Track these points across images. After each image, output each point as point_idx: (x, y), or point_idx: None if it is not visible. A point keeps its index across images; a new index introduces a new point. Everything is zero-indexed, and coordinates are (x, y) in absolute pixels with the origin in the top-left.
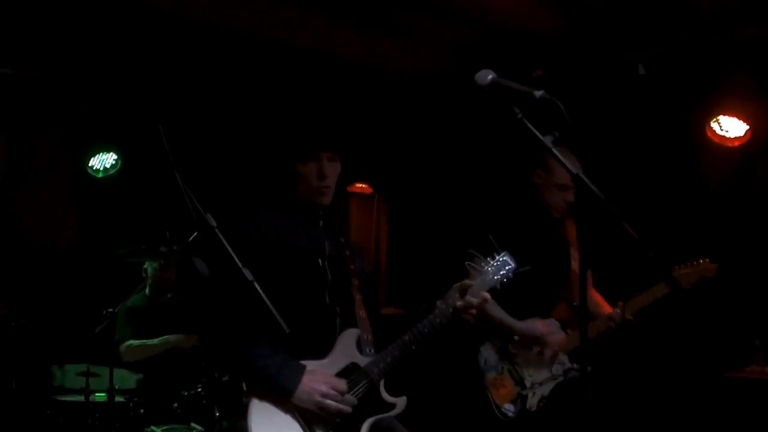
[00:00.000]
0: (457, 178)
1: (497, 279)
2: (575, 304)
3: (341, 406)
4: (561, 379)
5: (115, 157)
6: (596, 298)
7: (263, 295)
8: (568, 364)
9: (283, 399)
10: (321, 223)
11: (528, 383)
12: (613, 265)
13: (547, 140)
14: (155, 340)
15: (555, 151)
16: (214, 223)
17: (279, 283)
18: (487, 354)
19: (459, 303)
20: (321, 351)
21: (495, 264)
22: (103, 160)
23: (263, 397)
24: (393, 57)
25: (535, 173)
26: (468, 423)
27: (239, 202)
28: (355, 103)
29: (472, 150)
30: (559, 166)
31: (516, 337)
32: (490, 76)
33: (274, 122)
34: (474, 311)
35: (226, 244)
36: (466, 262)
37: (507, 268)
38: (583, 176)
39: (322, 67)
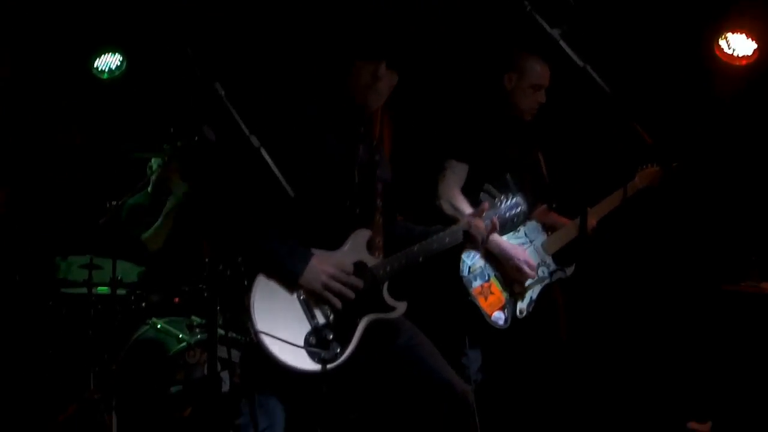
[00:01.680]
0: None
1: (508, 216)
2: (553, 206)
3: (345, 289)
4: (548, 280)
5: (120, 58)
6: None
7: (269, 161)
8: (553, 266)
9: (288, 283)
10: (361, 127)
11: (516, 288)
12: (573, 174)
13: (555, 33)
14: (159, 221)
15: (563, 43)
16: (222, 92)
17: (308, 178)
18: (471, 261)
19: (474, 223)
20: (332, 245)
21: (507, 202)
22: (108, 62)
23: (266, 281)
24: None
25: (506, 76)
26: (459, 336)
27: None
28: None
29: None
30: (532, 67)
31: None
32: None
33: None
34: (482, 236)
35: (233, 111)
36: (481, 194)
37: (518, 209)
38: (588, 67)
39: None
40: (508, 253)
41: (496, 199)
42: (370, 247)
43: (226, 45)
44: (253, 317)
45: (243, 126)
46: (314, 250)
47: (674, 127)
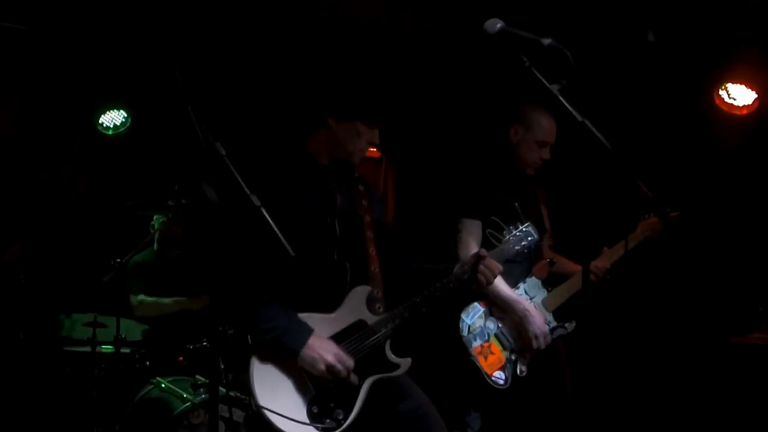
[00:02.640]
0: (456, 138)
1: (518, 249)
2: (554, 261)
3: (343, 383)
4: (549, 338)
5: (124, 114)
6: (560, 257)
7: (270, 220)
8: (553, 322)
9: (288, 354)
10: (335, 177)
11: (517, 347)
12: (575, 223)
13: (554, 88)
14: (169, 300)
15: (561, 98)
16: (223, 152)
17: (288, 236)
18: (471, 320)
19: (479, 270)
20: (330, 306)
21: (517, 234)
22: (113, 118)
23: (266, 352)
24: (392, 12)
25: (513, 129)
26: (458, 396)
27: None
28: (359, 65)
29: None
30: (540, 122)
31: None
32: (498, 25)
33: (306, 76)
34: (487, 280)
35: (234, 171)
36: (487, 231)
37: (529, 239)
38: (588, 123)
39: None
40: (532, 321)
41: (505, 232)
42: (370, 302)
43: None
44: (253, 391)
45: (243, 185)
46: (311, 315)
47: (675, 177)
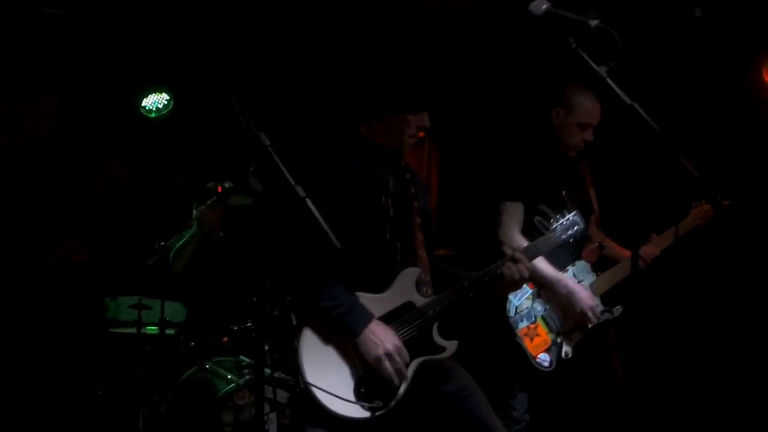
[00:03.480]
0: (500, 121)
1: (564, 238)
2: (603, 245)
3: (398, 373)
4: (595, 321)
5: (167, 97)
6: (609, 241)
7: (315, 211)
8: (601, 307)
9: (341, 333)
10: (386, 162)
11: (567, 327)
12: (625, 208)
13: (602, 70)
14: (188, 233)
15: (609, 81)
16: (268, 142)
17: (341, 214)
18: (518, 301)
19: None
20: (380, 286)
21: (564, 222)
22: (156, 101)
23: (316, 330)
24: None
25: (554, 111)
26: (504, 378)
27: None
28: (412, 49)
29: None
30: (582, 103)
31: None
32: (544, 6)
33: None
34: (511, 278)
35: (278, 161)
36: (536, 218)
37: (575, 228)
38: (636, 105)
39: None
40: (575, 293)
41: (552, 221)
42: (419, 284)
43: (262, 85)
44: (302, 367)
45: (288, 176)
46: (361, 294)
47: (725, 160)
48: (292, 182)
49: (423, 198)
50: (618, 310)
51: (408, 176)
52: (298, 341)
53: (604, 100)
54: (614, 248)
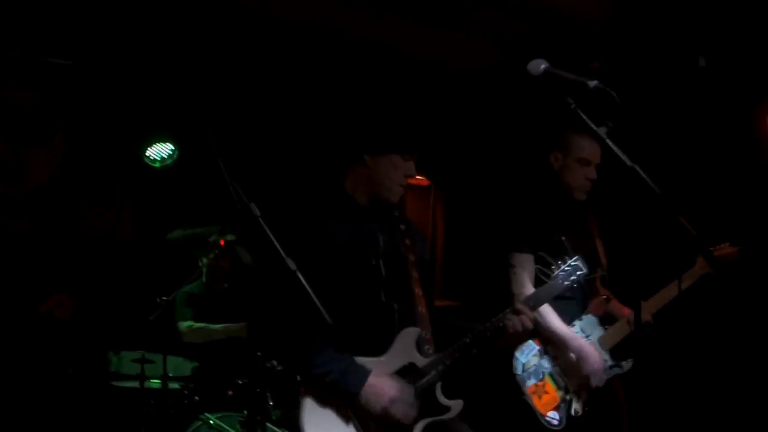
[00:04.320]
0: (504, 169)
1: (567, 285)
2: (610, 298)
3: (408, 412)
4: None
5: (171, 147)
6: (610, 295)
7: (306, 285)
8: (611, 361)
9: (341, 399)
10: (376, 218)
11: (572, 386)
12: (630, 262)
13: (602, 131)
14: (218, 326)
15: (609, 142)
16: (258, 213)
17: (331, 281)
18: (525, 359)
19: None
20: (379, 349)
21: (566, 269)
22: (160, 151)
23: (317, 393)
24: (446, 48)
25: (553, 155)
26: None
27: (285, 193)
28: (409, 95)
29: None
30: (578, 143)
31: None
32: (543, 66)
33: (339, 115)
34: (514, 328)
35: (269, 233)
36: (536, 266)
37: (578, 273)
38: (637, 168)
39: (377, 58)
40: (586, 356)
41: (553, 267)
42: (420, 343)
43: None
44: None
45: (279, 248)
46: (361, 359)
47: (729, 208)
48: (283, 254)
49: (420, 249)
50: (628, 364)
51: (402, 227)
52: (300, 405)
53: (605, 160)
54: (616, 306)
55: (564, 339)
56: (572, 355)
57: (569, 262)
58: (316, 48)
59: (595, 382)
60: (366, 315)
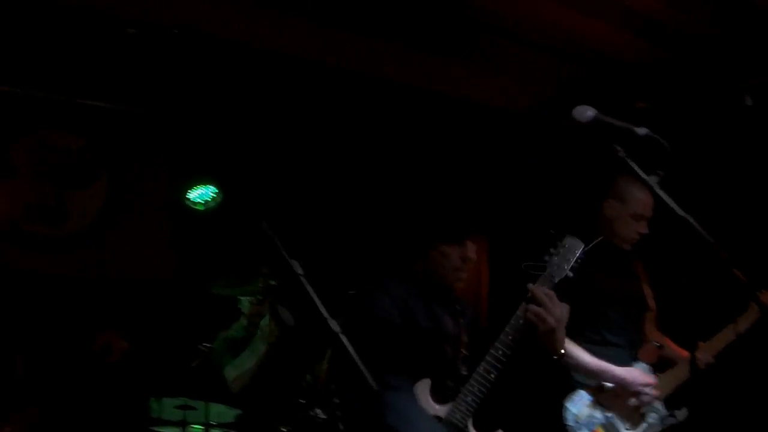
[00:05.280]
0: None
1: (566, 267)
2: (661, 345)
3: None
4: (659, 428)
5: (214, 190)
6: (666, 339)
7: (351, 349)
8: (663, 411)
9: None
10: (443, 300)
11: (627, 421)
12: (681, 305)
13: (652, 180)
14: (252, 361)
15: (660, 192)
16: (301, 271)
17: (394, 359)
18: (576, 409)
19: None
20: None
21: (559, 252)
22: (202, 194)
23: None
24: (485, 90)
25: (606, 203)
26: None
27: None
28: (450, 138)
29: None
30: (635, 195)
31: (611, 385)
32: (590, 113)
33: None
34: (539, 317)
35: (311, 292)
36: (523, 264)
37: (575, 251)
38: (690, 218)
39: (418, 101)
40: (624, 379)
41: (545, 257)
42: (436, 393)
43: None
44: None
45: (322, 308)
46: None
47: None
48: (326, 315)
49: (471, 322)
50: (682, 413)
51: (458, 308)
52: None
53: (658, 207)
54: (672, 348)
55: (597, 371)
56: (612, 385)
57: (559, 245)
58: (358, 98)
59: (648, 399)
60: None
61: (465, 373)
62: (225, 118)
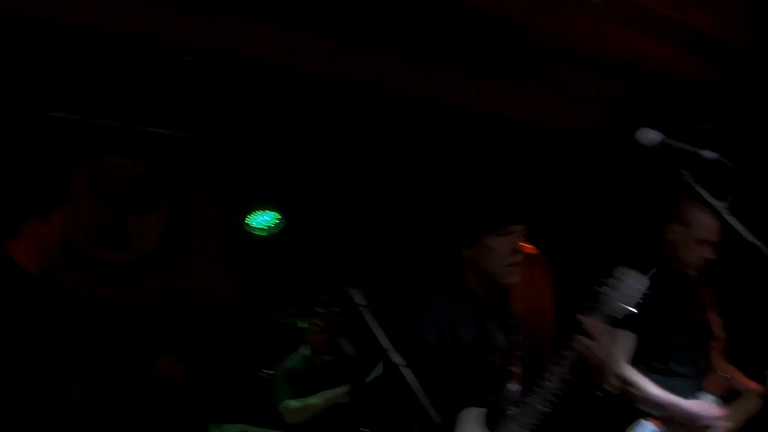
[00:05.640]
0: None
1: (628, 303)
2: (729, 376)
3: None
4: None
5: (275, 215)
6: (734, 370)
7: (411, 381)
8: None
9: None
10: (492, 310)
11: None
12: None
13: (721, 206)
14: (317, 400)
15: (728, 218)
16: (362, 301)
17: (443, 379)
18: None
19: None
20: None
21: (617, 285)
22: (263, 220)
23: None
24: (545, 113)
25: (669, 228)
26: None
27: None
28: (512, 161)
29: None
30: (699, 219)
31: (681, 419)
32: (654, 136)
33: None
34: (595, 351)
35: (372, 324)
36: (580, 297)
37: (638, 286)
38: (760, 244)
39: (479, 126)
40: (694, 413)
41: (600, 292)
42: (490, 422)
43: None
44: None
45: (383, 339)
46: None
47: None
48: (386, 347)
49: (522, 339)
50: None
51: (510, 323)
52: None
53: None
54: (740, 379)
55: (666, 405)
56: (681, 418)
57: (616, 278)
58: (421, 124)
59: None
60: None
61: (514, 389)
62: (285, 143)
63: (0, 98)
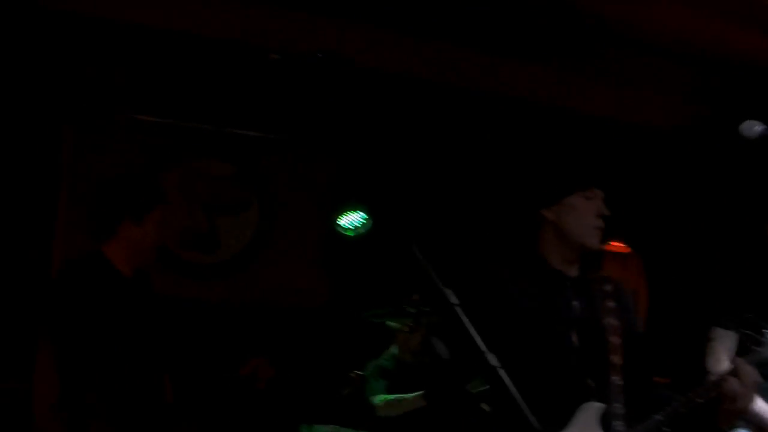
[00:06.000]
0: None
1: None
2: None
3: None
4: None
5: (363, 215)
6: None
7: (510, 385)
8: None
9: None
10: (572, 281)
11: None
12: None
13: None
14: (411, 396)
15: None
16: (456, 301)
17: (517, 357)
18: None
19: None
20: (556, 426)
21: None
22: (353, 220)
23: None
24: (633, 108)
25: None
26: None
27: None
28: (602, 157)
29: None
30: None
31: None
32: (758, 128)
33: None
34: (742, 397)
35: (468, 324)
36: (742, 331)
37: None
38: None
39: (562, 122)
40: None
41: (764, 332)
42: (606, 419)
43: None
44: None
45: (479, 340)
46: None
47: None
48: (483, 348)
49: (628, 314)
50: None
51: (608, 288)
52: None
53: None
54: None
55: None
56: None
57: None
58: (506, 120)
59: None
60: (550, 390)
61: (618, 359)
62: (373, 143)
63: (96, 104)
